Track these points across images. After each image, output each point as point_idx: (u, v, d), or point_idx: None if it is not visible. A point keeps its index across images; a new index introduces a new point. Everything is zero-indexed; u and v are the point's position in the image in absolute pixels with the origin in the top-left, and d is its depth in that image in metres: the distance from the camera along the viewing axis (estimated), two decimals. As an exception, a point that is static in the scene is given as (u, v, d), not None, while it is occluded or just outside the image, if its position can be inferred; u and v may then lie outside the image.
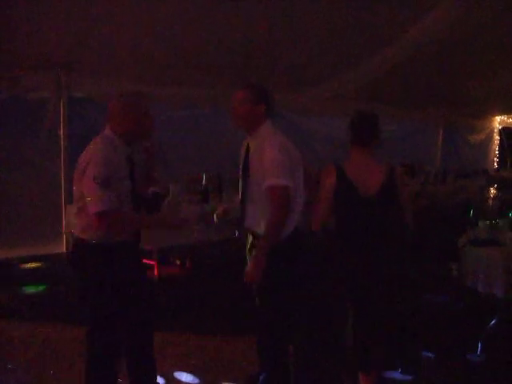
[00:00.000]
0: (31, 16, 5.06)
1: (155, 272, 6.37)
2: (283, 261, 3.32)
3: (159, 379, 3.75)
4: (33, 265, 6.65)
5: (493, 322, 4.76)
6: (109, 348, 3.23)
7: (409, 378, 4.16)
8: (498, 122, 13.70)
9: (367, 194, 3.37)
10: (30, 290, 5.98)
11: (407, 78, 8.31)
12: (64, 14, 5.13)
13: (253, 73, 6.69)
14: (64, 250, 6.62)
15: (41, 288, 6.07)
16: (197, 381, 4.08)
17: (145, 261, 6.27)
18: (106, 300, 3.14)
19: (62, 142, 6.45)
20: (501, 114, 13.28)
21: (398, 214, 3.46)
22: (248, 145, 3.53)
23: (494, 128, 13.75)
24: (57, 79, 6.24)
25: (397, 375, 4.18)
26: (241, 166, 3.60)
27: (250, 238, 3.52)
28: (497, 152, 13.94)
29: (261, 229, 3.29)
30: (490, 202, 10.79)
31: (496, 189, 11.39)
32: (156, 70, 6.54)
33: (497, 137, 13.81)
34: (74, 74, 6.31)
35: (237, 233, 3.68)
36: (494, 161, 13.94)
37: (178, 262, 6.90)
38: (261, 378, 3.68)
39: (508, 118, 13.48)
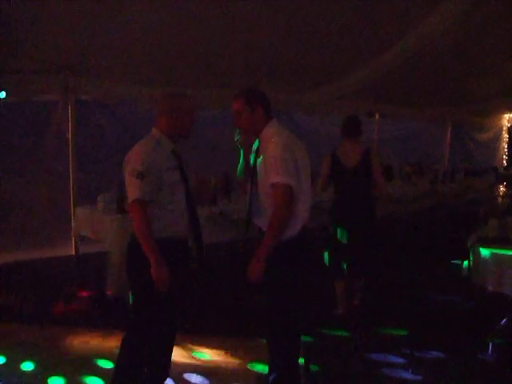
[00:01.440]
0: (39, 20, 5.08)
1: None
2: (288, 261, 3.33)
3: (168, 380, 3.76)
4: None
5: (503, 321, 4.74)
6: (141, 350, 3.39)
7: (419, 378, 4.15)
8: (507, 119, 13.64)
9: (349, 166, 5.14)
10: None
11: (414, 77, 8.29)
12: (71, 17, 5.15)
13: (260, 73, 6.70)
14: (73, 252, 6.65)
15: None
16: (205, 381, 4.07)
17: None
18: (146, 302, 3.29)
19: (69, 145, 6.48)
20: (509, 111, 13.23)
21: (369, 180, 5.13)
22: (256, 145, 3.53)
23: (502, 126, 13.70)
24: (64, 82, 6.27)
25: (407, 375, 4.17)
26: (249, 166, 3.60)
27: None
28: (506, 150, 13.88)
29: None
30: (500, 199, 10.74)
31: (505, 186, 11.34)
32: (163, 72, 6.56)
33: (505, 134, 13.76)
34: (82, 77, 6.34)
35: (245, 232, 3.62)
36: (503, 158, 13.88)
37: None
38: (270, 378, 3.68)
39: (517, 116, 13.44)
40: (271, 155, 3.27)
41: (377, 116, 10.27)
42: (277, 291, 3.42)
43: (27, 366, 4.26)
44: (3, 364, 4.31)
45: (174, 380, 3.98)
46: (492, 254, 4.59)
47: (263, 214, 3.42)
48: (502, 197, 10.79)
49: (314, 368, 4.21)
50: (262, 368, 4.21)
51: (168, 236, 3.24)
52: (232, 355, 4.51)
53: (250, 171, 3.58)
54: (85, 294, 5.76)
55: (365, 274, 5.31)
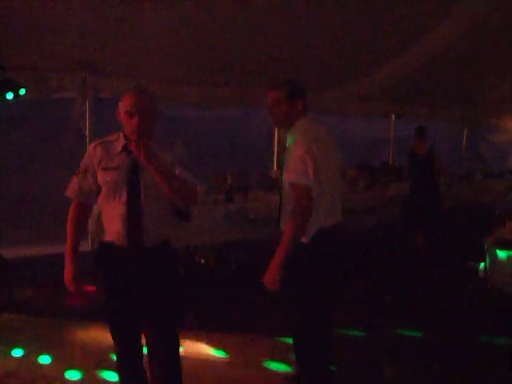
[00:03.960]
0: (57, 18, 5.11)
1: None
2: (302, 267, 3.28)
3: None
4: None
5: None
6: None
7: (433, 379, 4.13)
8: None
9: (420, 153, 7.64)
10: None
11: (431, 79, 8.26)
12: (89, 15, 5.18)
13: (278, 73, 6.70)
14: (90, 247, 6.68)
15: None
16: (221, 379, 4.09)
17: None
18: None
19: (87, 142, 6.52)
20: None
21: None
22: (288, 142, 3.47)
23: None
24: (82, 80, 6.31)
25: (421, 376, 4.15)
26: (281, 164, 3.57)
27: None
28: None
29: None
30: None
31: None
32: (181, 70, 6.58)
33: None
34: (100, 74, 6.38)
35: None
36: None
37: (203, 261, 6.91)
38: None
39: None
40: (295, 154, 3.25)
41: (392, 117, 10.23)
42: (294, 298, 3.41)
43: (44, 360, 4.31)
44: (21, 357, 4.36)
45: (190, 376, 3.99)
46: (509, 256, 4.57)
47: (285, 215, 3.39)
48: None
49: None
50: (277, 366, 4.23)
51: (103, 241, 3.05)
52: (247, 353, 4.52)
53: (281, 169, 3.57)
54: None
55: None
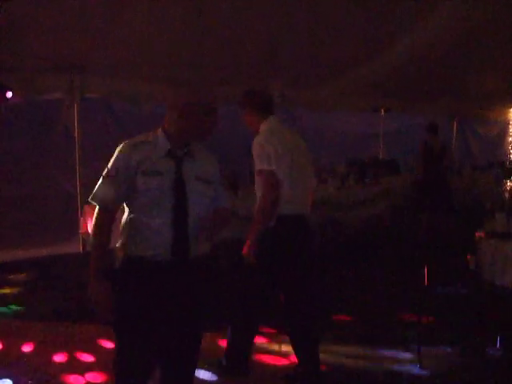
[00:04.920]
0: (43, 19, 5.09)
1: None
2: (266, 247, 3.62)
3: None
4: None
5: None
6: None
7: (427, 373, 4.14)
8: (514, 113, 13.56)
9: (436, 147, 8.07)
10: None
11: (420, 72, 8.27)
12: (76, 16, 5.16)
13: (267, 69, 6.70)
14: (81, 249, 6.67)
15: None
16: (220, 379, 4.08)
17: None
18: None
19: (76, 143, 6.50)
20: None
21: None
22: None
23: (509, 120, 13.62)
24: (70, 81, 6.28)
25: (415, 370, 4.17)
26: None
27: None
28: (513, 144, 13.80)
29: None
30: (507, 194, 10.69)
31: (512, 181, 11.29)
32: (169, 69, 6.55)
33: (512, 128, 13.68)
34: (87, 75, 6.35)
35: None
36: (509, 153, 13.81)
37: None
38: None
39: (524, 110, 13.34)
40: (254, 145, 3.65)
41: (382, 111, 10.24)
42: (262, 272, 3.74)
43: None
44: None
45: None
46: (499, 249, 4.59)
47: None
48: (509, 191, 10.75)
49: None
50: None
51: (139, 255, 2.63)
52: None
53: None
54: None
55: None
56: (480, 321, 4.97)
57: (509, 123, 13.58)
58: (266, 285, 3.82)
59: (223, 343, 4.37)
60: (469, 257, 5.29)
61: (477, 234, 5.03)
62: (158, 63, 6.41)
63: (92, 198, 2.69)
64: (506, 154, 13.63)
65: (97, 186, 2.68)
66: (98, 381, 4.00)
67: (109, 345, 4.57)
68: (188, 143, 2.73)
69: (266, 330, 4.77)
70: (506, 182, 11.25)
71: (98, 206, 2.67)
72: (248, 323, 4.01)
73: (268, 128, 3.73)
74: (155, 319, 2.62)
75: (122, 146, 2.69)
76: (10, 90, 5.71)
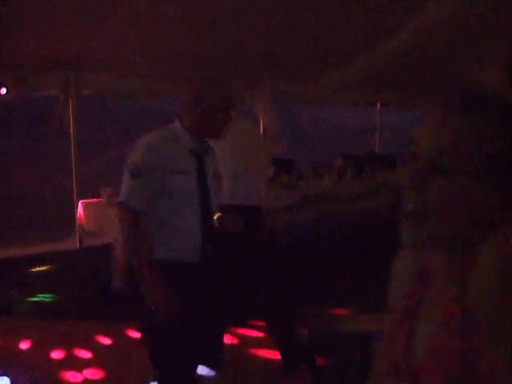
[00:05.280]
0: (38, 16, 5.07)
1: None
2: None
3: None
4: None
5: None
6: None
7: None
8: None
9: None
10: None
11: (416, 65, 8.25)
12: (71, 12, 5.14)
13: (261, 64, 6.68)
14: (77, 245, 6.67)
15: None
16: (216, 373, 4.07)
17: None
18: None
19: (72, 139, 6.49)
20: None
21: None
22: None
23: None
24: (65, 78, 6.27)
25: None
26: None
27: None
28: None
29: None
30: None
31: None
32: (164, 65, 6.55)
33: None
34: (82, 72, 6.34)
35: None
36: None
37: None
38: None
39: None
40: None
41: (378, 105, 10.24)
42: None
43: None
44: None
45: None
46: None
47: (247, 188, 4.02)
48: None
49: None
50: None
51: (168, 258, 2.53)
52: (244, 345, 4.53)
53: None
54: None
55: None
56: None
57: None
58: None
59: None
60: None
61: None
62: (153, 60, 6.39)
63: (123, 200, 2.50)
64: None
65: (125, 187, 2.50)
66: (96, 377, 4.00)
67: (106, 341, 4.58)
68: (206, 140, 2.68)
69: (257, 323, 4.75)
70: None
71: (128, 209, 2.49)
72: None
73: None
74: (187, 319, 2.51)
75: (147, 143, 2.53)
76: (5, 87, 5.71)
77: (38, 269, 6.40)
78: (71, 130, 6.50)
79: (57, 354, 4.38)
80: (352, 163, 8.47)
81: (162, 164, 2.47)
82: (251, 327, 4.77)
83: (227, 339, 4.52)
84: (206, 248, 2.57)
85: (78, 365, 4.18)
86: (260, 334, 4.68)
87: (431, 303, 1.62)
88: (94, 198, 6.13)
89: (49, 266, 6.44)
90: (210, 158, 2.72)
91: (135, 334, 4.71)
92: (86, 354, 4.38)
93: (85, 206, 6.15)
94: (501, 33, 7.61)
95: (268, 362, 4.18)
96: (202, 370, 3.94)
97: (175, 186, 2.49)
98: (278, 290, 3.99)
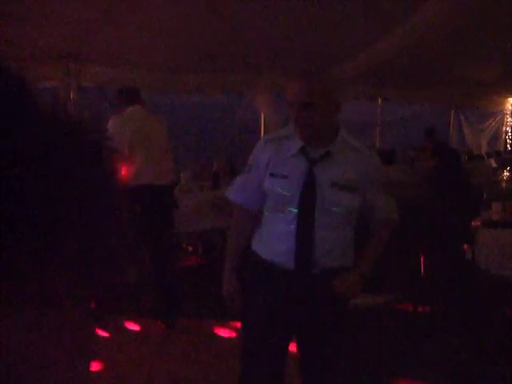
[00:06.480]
0: (38, 6, 5.05)
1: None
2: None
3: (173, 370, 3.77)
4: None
5: None
6: None
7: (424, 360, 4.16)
8: (511, 103, 13.55)
9: None
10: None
11: (417, 61, 8.24)
12: (72, 3, 5.12)
13: (261, 58, 6.67)
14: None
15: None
16: (207, 368, 4.08)
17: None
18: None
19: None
20: (513, 95, 13.15)
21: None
22: None
23: (506, 110, 13.62)
24: (66, 69, 6.24)
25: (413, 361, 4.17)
26: None
27: None
28: (510, 134, 13.80)
29: None
30: (504, 184, 10.71)
31: (509, 171, 11.30)
32: (165, 57, 6.52)
33: (510, 118, 13.67)
34: (83, 63, 6.31)
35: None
36: (507, 143, 13.81)
37: (190, 249, 6.90)
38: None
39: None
40: None
41: (379, 100, 10.23)
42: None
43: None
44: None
45: (180, 367, 3.99)
46: (495, 238, 4.60)
47: None
48: (506, 181, 10.75)
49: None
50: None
51: (265, 259, 2.51)
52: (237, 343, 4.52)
53: None
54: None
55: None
56: (476, 309, 4.99)
57: (504, 113, 13.57)
58: None
59: (219, 331, 4.39)
60: (466, 247, 5.30)
61: (473, 224, 5.04)
62: (155, 51, 6.37)
63: (229, 195, 2.63)
64: (502, 143, 13.63)
65: (235, 182, 2.63)
66: (95, 370, 4.00)
67: (105, 334, 4.58)
68: (328, 142, 2.43)
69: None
70: (503, 172, 11.26)
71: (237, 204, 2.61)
72: None
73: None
74: (272, 322, 2.49)
75: (259, 142, 2.58)
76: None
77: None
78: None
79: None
80: None
81: (263, 165, 2.52)
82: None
83: (228, 332, 4.58)
84: (303, 258, 2.41)
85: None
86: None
87: None
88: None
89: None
90: (336, 164, 2.44)
91: (134, 327, 4.72)
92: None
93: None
94: (501, 31, 7.60)
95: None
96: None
97: (272, 188, 2.50)
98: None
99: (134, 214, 4.30)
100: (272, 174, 2.43)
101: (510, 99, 13.24)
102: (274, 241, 2.46)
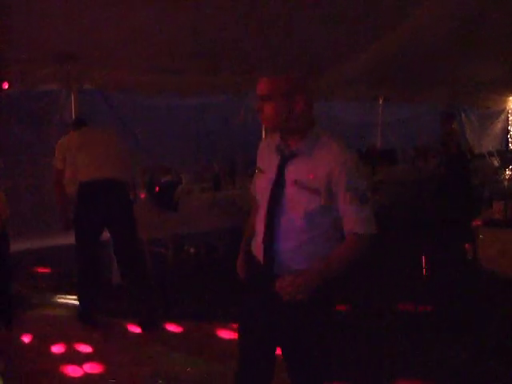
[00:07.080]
0: (40, 9, 5.06)
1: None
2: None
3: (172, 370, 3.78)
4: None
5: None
6: None
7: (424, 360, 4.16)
8: (512, 102, 13.54)
9: None
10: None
11: (417, 61, 8.23)
12: (73, 5, 5.13)
13: (262, 59, 6.67)
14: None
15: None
16: (208, 370, 4.08)
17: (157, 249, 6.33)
18: None
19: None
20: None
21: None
22: None
23: (508, 108, 13.61)
24: (66, 72, 6.25)
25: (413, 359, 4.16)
26: None
27: None
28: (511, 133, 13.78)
29: None
30: (506, 183, 10.70)
31: (511, 170, 11.30)
32: (166, 59, 6.53)
33: (511, 117, 13.66)
34: (84, 65, 6.32)
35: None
36: (508, 141, 13.80)
37: (192, 250, 6.89)
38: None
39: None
40: None
41: (380, 100, 10.23)
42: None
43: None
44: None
45: (179, 366, 3.99)
46: (496, 237, 4.60)
47: None
48: (508, 180, 10.75)
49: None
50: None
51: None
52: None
53: None
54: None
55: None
56: (478, 309, 4.99)
57: (506, 112, 13.56)
58: None
59: (221, 333, 4.39)
60: (467, 246, 5.30)
61: (474, 223, 5.04)
62: (155, 53, 6.37)
63: (250, 189, 2.71)
64: (504, 142, 13.62)
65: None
66: (96, 371, 4.01)
67: (106, 336, 4.59)
68: (301, 140, 2.40)
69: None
70: (505, 171, 11.26)
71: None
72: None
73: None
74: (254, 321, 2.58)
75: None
76: (7, 81, 5.69)
77: (37, 264, 6.41)
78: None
79: (57, 349, 4.40)
80: None
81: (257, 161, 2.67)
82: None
83: (229, 334, 4.58)
84: (268, 258, 2.42)
85: (79, 359, 4.20)
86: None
87: None
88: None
89: (48, 261, 6.44)
90: (306, 162, 2.37)
91: (135, 329, 4.73)
92: (86, 349, 4.40)
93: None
94: (501, 30, 7.60)
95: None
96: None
97: (256, 184, 2.60)
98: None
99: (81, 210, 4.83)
100: (257, 168, 2.55)
101: (511, 98, 13.23)
102: (256, 237, 2.52)
